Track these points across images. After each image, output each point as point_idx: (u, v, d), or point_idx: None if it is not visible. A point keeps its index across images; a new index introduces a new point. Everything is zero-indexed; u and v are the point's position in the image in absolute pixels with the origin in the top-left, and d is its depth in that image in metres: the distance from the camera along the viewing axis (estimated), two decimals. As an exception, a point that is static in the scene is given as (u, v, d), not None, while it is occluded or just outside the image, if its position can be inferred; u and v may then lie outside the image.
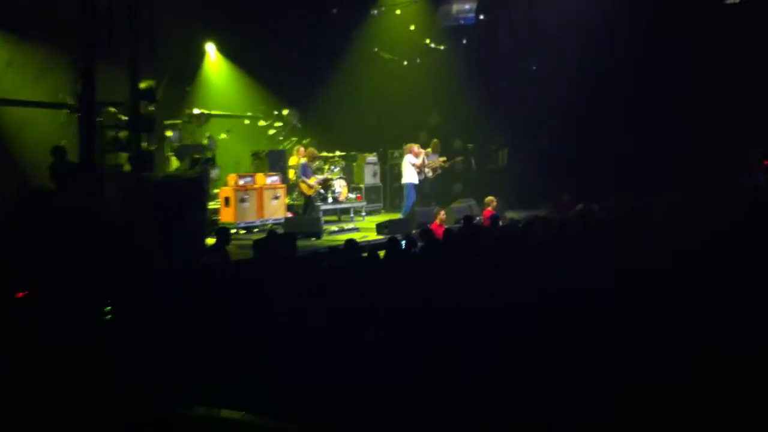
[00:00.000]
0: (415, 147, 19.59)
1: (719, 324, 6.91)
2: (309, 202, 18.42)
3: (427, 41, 22.57)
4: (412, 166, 19.31)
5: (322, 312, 8.27)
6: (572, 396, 6.00)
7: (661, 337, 6.65)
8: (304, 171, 18.34)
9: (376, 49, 22.86)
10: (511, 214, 18.68)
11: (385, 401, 6.62)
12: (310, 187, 18.25)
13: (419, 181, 19.55)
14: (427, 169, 20.10)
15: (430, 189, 20.26)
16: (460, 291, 8.47)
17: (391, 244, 10.98)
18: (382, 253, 11.07)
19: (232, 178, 17.66)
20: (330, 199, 18.90)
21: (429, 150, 20.11)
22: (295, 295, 8.90)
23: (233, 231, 16.23)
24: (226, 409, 6.80)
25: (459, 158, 21.41)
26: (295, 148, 20.34)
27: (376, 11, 22.88)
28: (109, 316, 9.50)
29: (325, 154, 20.43)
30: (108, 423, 6.63)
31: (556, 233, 11.96)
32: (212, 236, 14.21)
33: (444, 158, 20.53)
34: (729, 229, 11.02)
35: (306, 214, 18.34)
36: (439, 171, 20.47)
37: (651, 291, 7.73)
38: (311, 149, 19.16)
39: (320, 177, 18.64)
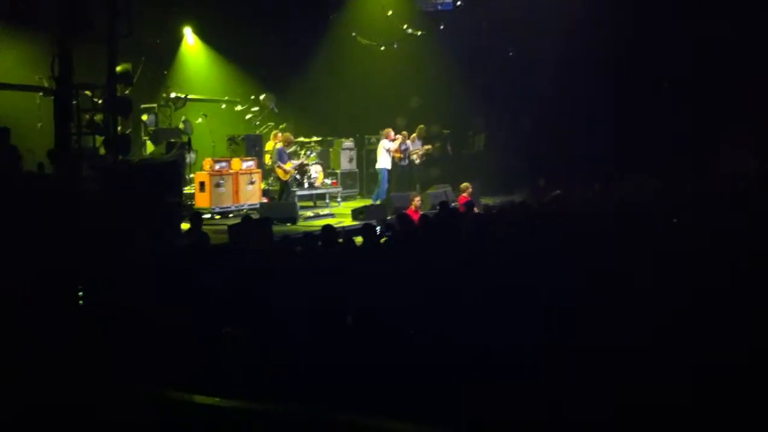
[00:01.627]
0: (392, 132, 19.67)
1: (717, 324, 6.94)
2: (285, 187, 18.42)
3: (405, 26, 22.56)
4: (387, 152, 19.40)
5: (301, 298, 8.29)
6: (566, 398, 6.03)
7: (658, 337, 6.68)
8: (280, 156, 18.33)
9: (354, 35, 22.83)
10: (486, 200, 18.81)
11: (363, 388, 6.65)
12: (286, 172, 18.24)
13: (396, 165, 19.64)
14: (414, 156, 20.22)
15: (406, 173, 20.31)
16: (437, 279, 8.50)
17: (366, 230, 10.99)
18: (358, 239, 11.10)
19: (207, 163, 17.64)
20: (306, 185, 18.91)
21: (406, 135, 20.14)
22: (274, 281, 8.92)
23: (208, 216, 16.23)
24: (199, 394, 6.80)
25: (437, 144, 21.45)
26: (272, 133, 20.32)
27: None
28: (81, 301, 9.49)
29: (301, 139, 20.44)
30: (79, 406, 6.63)
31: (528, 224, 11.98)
32: (186, 221, 14.24)
33: (429, 146, 20.61)
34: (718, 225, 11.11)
35: (282, 199, 18.34)
36: (425, 158, 20.58)
37: (644, 288, 7.75)
38: (287, 134, 19.14)
39: (296, 162, 18.64)
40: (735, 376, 6.00)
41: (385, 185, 19.38)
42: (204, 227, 13.15)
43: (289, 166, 18.31)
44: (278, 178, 18.63)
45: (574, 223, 11.97)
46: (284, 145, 18.59)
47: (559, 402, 5.96)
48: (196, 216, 12.64)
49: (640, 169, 18.27)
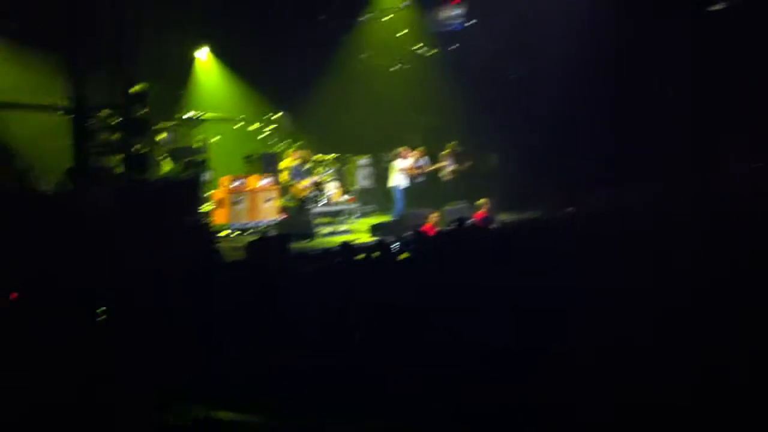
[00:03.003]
0: (407, 151, 19.78)
1: (717, 325, 6.93)
2: (302, 204, 18.46)
3: (416, 47, 22.66)
4: (400, 171, 19.51)
5: (314, 313, 8.31)
6: (567, 399, 6.02)
7: (659, 338, 6.67)
8: (297, 173, 18.38)
9: (362, 56, 22.96)
10: (504, 216, 18.77)
11: (376, 402, 6.66)
12: (303, 189, 18.28)
13: (414, 182, 19.74)
14: (444, 173, 20.36)
15: (420, 191, 20.39)
16: (454, 292, 8.50)
17: (381, 247, 10.99)
18: (375, 255, 11.10)
19: (225, 180, 17.71)
20: (323, 201, 18.94)
21: (423, 150, 20.25)
22: (289, 295, 8.94)
23: (227, 233, 16.28)
24: (221, 409, 6.82)
25: (467, 163, 21.44)
26: (288, 150, 20.37)
27: (365, 17, 22.98)
28: (103, 317, 9.51)
29: (317, 156, 20.46)
30: (102, 424, 6.65)
31: (548, 232, 12.01)
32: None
33: (460, 166, 20.74)
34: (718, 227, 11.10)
35: (298, 216, 18.37)
36: (455, 175, 20.68)
37: (648, 290, 7.75)
38: (304, 152, 19.20)
39: (313, 179, 18.68)
40: (735, 376, 5.99)
41: (401, 203, 19.42)
42: (222, 243, 13.15)
43: (306, 183, 18.35)
44: (295, 196, 18.66)
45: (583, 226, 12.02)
46: (301, 163, 18.64)
47: (559, 402, 5.97)
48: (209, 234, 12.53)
49: (648, 176, 18.24)
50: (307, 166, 19.01)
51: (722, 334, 6.69)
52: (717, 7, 19.83)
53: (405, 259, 11.51)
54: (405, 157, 19.69)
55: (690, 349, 6.49)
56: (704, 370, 6.11)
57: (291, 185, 18.68)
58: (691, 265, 8.60)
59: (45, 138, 16.37)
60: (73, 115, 14.04)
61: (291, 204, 19.30)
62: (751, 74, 18.81)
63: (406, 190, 19.67)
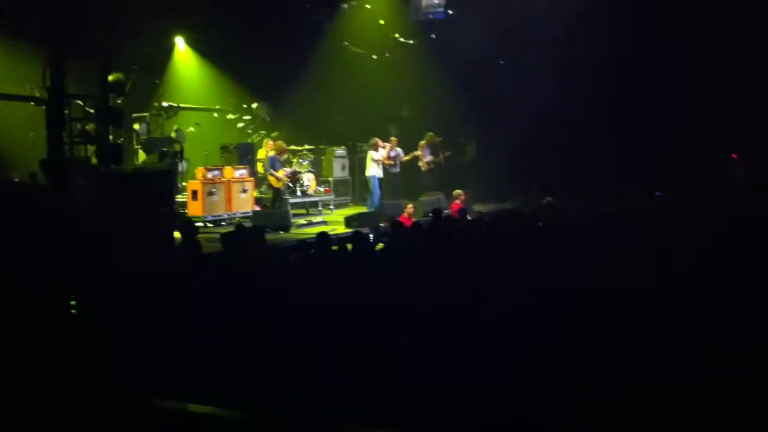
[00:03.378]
0: (379, 142, 19.79)
1: (717, 326, 6.96)
2: (277, 195, 18.42)
3: (397, 35, 22.61)
4: (374, 162, 19.54)
5: (295, 308, 8.29)
6: (565, 402, 6.04)
7: (657, 340, 6.69)
8: (273, 164, 18.33)
9: (345, 43, 22.88)
10: (479, 207, 18.83)
11: (357, 399, 6.66)
12: (279, 180, 18.24)
13: (387, 173, 19.73)
14: (421, 164, 20.36)
15: (396, 182, 20.40)
16: (433, 288, 8.51)
17: (357, 239, 10.96)
18: (350, 247, 11.09)
19: (200, 171, 17.62)
20: (298, 192, 18.91)
21: (396, 141, 20.25)
22: (270, 290, 8.92)
23: (200, 224, 16.20)
24: (194, 403, 6.79)
25: (447, 153, 21.40)
26: (264, 141, 20.33)
27: (346, 5, 22.91)
28: (74, 311, 9.47)
29: (293, 147, 20.43)
30: (78, 416, 6.62)
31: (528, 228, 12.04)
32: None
33: (440, 158, 20.73)
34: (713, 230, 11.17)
35: (274, 207, 18.34)
36: (433, 166, 20.67)
37: (644, 291, 7.77)
38: (279, 142, 19.13)
39: (288, 170, 18.65)
40: (735, 376, 6.03)
41: (378, 192, 19.45)
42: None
43: (282, 173, 18.31)
44: (271, 186, 18.63)
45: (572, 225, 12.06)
46: (276, 154, 18.58)
47: (559, 402, 5.98)
48: (188, 224, 12.52)
49: (636, 175, 18.32)
50: (283, 156, 18.95)
51: (722, 334, 6.73)
52: None
53: (381, 249, 11.53)
54: (378, 148, 19.69)
55: (689, 349, 6.52)
56: (704, 370, 6.14)
57: (267, 176, 18.62)
58: (691, 263, 8.66)
59: (18, 128, 16.28)
60: (47, 106, 13.90)
61: (266, 195, 19.28)
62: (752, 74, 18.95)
63: (381, 180, 19.68)
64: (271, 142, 19.74)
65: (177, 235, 14.14)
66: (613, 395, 5.93)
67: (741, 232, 10.24)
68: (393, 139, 20.23)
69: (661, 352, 6.48)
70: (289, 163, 19.23)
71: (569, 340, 6.88)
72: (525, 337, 7.08)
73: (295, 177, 18.78)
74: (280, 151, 18.73)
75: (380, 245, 11.76)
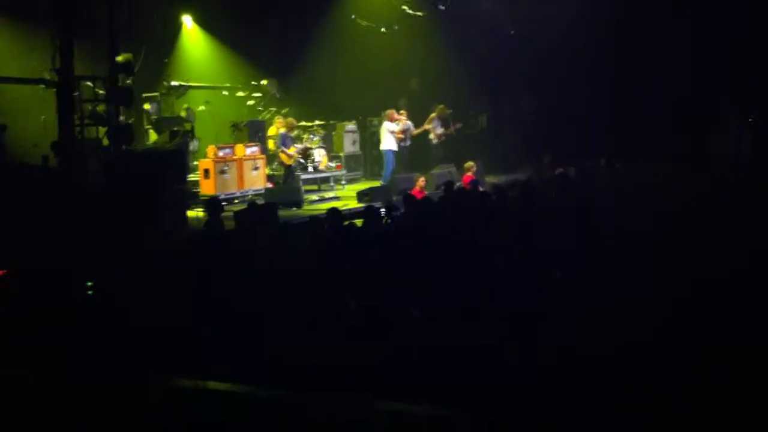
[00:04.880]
0: (395, 113, 19.67)
1: (717, 320, 6.95)
2: (289, 171, 18.42)
3: (405, 7, 22.49)
4: (390, 133, 19.38)
5: (306, 282, 8.33)
6: (569, 394, 6.05)
7: (659, 334, 6.69)
8: (284, 141, 18.32)
9: (353, 17, 22.77)
10: (491, 179, 18.80)
11: (373, 374, 6.69)
12: (290, 156, 18.24)
13: (399, 146, 19.65)
14: (432, 136, 20.30)
15: (407, 155, 20.32)
16: (445, 260, 8.52)
17: (369, 213, 10.97)
18: (359, 222, 11.11)
19: (211, 150, 17.63)
20: (310, 168, 18.92)
21: (405, 114, 20.15)
22: (281, 264, 8.95)
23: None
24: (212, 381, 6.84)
25: (458, 125, 21.32)
26: (275, 118, 20.29)
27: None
28: (90, 292, 9.53)
29: (304, 123, 20.40)
30: (91, 397, 6.68)
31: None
32: (193, 208, 14.29)
33: (451, 130, 20.65)
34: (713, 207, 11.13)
35: (286, 183, 18.35)
36: (444, 138, 20.59)
37: (647, 282, 7.76)
38: (290, 119, 19.10)
39: (300, 146, 18.65)
40: (735, 376, 6.03)
41: (391, 166, 19.38)
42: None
43: (293, 150, 18.31)
44: (282, 163, 18.63)
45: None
46: (287, 130, 18.57)
47: (560, 402, 6.00)
48: (214, 203, 12.16)
49: (641, 149, 18.29)
50: (294, 133, 18.94)
51: (722, 334, 6.72)
52: None
53: (393, 223, 11.55)
54: (393, 120, 19.59)
55: (690, 349, 6.53)
56: (704, 370, 6.14)
57: (278, 153, 18.62)
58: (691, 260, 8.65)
59: (29, 111, 16.29)
60: (56, 88, 13.94)
61: (278, 172, 19.28)
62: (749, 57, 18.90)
63: (395, 153, 19.60)
64: (281, 119, 19.71)
65: (190, 213, 14.23)
66: (613, 395, 5.96)
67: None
68: (403, 112, 20.15)
69: (661, 351, 6.49)
70: (299, 139, 19.22)
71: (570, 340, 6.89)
72: (527, 332, 7.11)
73: (306, 153, 18.78)
74: (291, 128, 18.71)
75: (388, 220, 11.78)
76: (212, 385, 6.76)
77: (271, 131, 19.99)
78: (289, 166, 18.35)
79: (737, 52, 19.11)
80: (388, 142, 19.46)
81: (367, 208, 11.33)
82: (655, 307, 7.15)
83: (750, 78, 19.09)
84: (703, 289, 7.37)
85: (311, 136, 19.55)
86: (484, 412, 5.91)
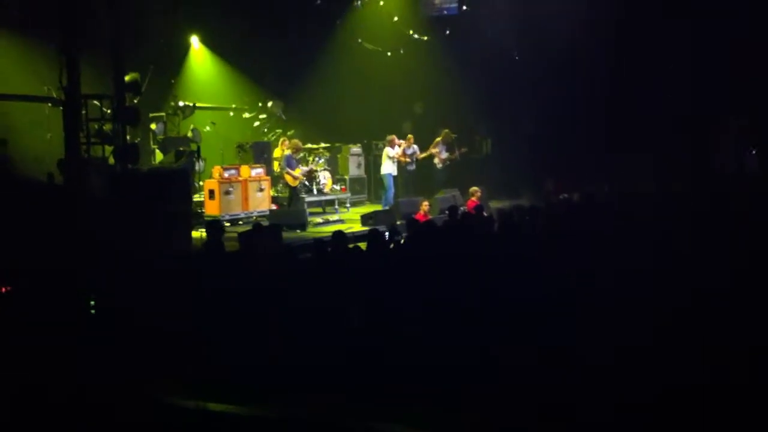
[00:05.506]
0: (395, 139, 19.78)
1: (717, 323, 6.95)
2: (294, 193, 18.45)
3: (411, 32, 22.61)
4: (389, 159, 19.52)
5: (310, 302, 8.33)
6: (569, 398, 6.05)
7: (659, 337, 6.69)
8: (289, 162, 18.36)
9: (359, 41, 22.90)
10: (495, 204, 18.79)
11: (369, 392, 6.70)
12: (295, 178, 18.27)
13: (404, 170, 19.71)
14: (436, 160, 20.36)
15: (411, 179, 20.39)
16: (447, 283, 8.52)
17: (372, 236, 10.96)
18: (363, 245, 11.10)
19: (216, 171, 17.67)
20: (315, 191, 18.95)
21: (411, 138, 20.20)
22: (284, 286, 8.95)
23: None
24: (214, 402, 6.85)
25: (463, 149, 21.38)
26: (280, 139, 20.35)
27: (359, 2, 22.91)
28: (93, 310, 9.53)
29: (309, 145, 20.46)
30: (96, 417, 6.68)
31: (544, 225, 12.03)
32: (198, 229, 14.31)
33: (455, 155, 20.68)
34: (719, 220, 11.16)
35: (291, 205, 18.38)
36: (448, 163, 20.64)
37: (648, 288, 7.77)
38: (295, 141, 19.14)
39: (305, 168, 18.68)
40: (735, 376, 6.03)
41: (392, 191, 19.45)
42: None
43: (298, 172, 18.35)
44: (287, 185, 18.65)
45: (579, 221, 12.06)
46: (293, 152, 18.62)
47: (561, 402, 6.00)
48: (215, 225, 12.20)
49: (644, 171, 18.35)
50: (300, 155, 18.99)
51: (722, 334, 6.73)
52: None
53: (397, 247, 11.55)
54: (394, 145, 19.68)
55: (689, 350, 6.53)
56: (704, 371, 6.14)
57: (283, 175, 18.65)
58: (691, 255, 8.66)
59: (35, 128, 16.35)
60: (64, 106, 13.98)
61: (283, 194, 19.31)
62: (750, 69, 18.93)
63: (396, 178, 19.68)
64: (286, 141, 19.77)
65: (195, 234, 14.24)
66: (611, 396, 5.96)
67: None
68: (409, 136, 20.20)
69: (661, 351, 6.49)
70: (305, 161, 19.25)
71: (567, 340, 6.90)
72: (521, 333, 7.12)
73: (311, 175, 18.82)
74: (296, 150, 18.76)
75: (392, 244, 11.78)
76: (213, 406, 6.76)
77: (276, 153, 20.04)
78: (294, 187, 18.38)
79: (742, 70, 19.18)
80: (386, 167, 19.57)
81: (370, 232, 11.32)
82: (656, 308, 7.18)
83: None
84: (704, 292, 7.39)
85: (316, 158, 19.59)
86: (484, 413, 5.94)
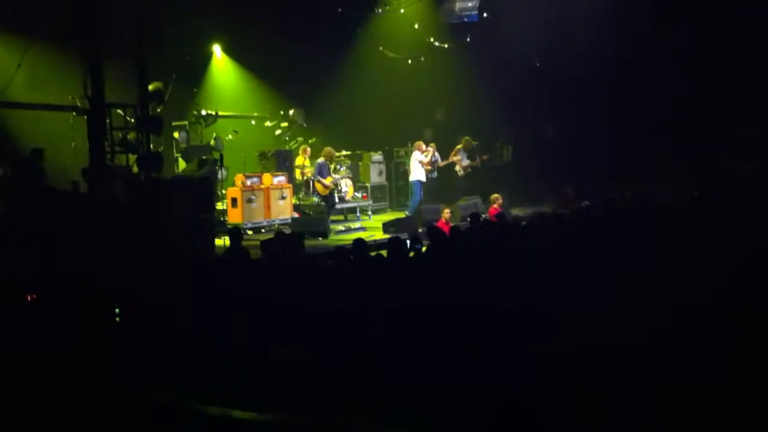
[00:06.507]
0: (423, 145, 19.77)
1: (719, 325, 6.96)
2: (327, 201, 18.50)
3: (431, 39, 22.67)
4: (419, 164, 19.47)
5: (330, 309, 8.37)
6: (572, 398, 6.07)
7: (661, 339, 6.71)
8: (320, 171, 18.36)
9: (380, 48, 22.97)
10: (516, 211, 18.82)
11: (392, 398, 6.72)
12: (326, 187, 18.30)
13: (430, 178, 19.76)
14: (458, 168, 20.40)
15: (434, 187, 20.44)
16: (468, 290, 8.54)
17: (393, 244, 10.97)
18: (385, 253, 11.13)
19: (239, 179, 17.78)
20: (336, 199, 19.02)
21: (434, 146, 20.23)
22: (305, 292, 9.00)
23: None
24: (237, 409, 6.88)
25: (485, 156, 21.45)
26: (301, 147, 20.42)
27: (380, 10, 22.98)
28: (118, 318, 9.61)
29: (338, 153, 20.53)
30: (118, 423, 6.74)
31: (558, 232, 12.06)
32: (221, 236, 14.41)
33: (477, 162, 20.75)
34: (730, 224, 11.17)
35: (313, 213, 18.53)
36: (470, 170, 20.70)
37: (651, 291, 7.80)
38: (329, 148, 19.06)
39: (336, 176, 18.67)
40: (735, 377, 6.03)
41: (418, 197, 19.45)
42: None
43: (329, 181, 18.37)
44: (315, 193, 18.77)
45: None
46: (325, 159, 18.64)
47: (562, 403, 6.02)
48: (235, 232, 12.63)
49: (664, 177, 18.35)
50: (333, 162, 19.09)
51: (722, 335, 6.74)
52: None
53: (419, 255, 11.57)
54: (423, 151, 19.69)
55: (689, 350, 6.54)
56: (704, 371, 6.15)
57: (313, 182, 18.69)
58: (692, 263, 8.68)
59: (60, 138, 16.49)
60: (88, 115, 14.12)
61: (305, 201, 19.39)
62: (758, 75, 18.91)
63: (423, 184, 19.70)
64: (308, 149, 19.88)
65: (218, 241, 14.34)
66: (613, 396, 5.97)
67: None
68: (432, 144, 20.25)
69: (662, 352, 6.51)
70: (335, 170, 19.28)
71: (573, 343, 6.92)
72: (531, 336, 7.14)
73: (336, 184, 18.88)
74: (329, 157, 18.77)
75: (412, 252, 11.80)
76: (237, 414, 6.81)
77: (298, 161, 20.12)
78: (325, 196, 18.43)
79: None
80: (416, 173, 19.55)
81: (391, 240, 11.31)
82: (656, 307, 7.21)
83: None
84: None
85: (338, 166, 19.66)
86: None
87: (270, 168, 19.41)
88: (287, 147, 21.31)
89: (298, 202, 19.43)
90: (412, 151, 20.02)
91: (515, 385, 6.43)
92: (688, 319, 6.96)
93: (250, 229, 17.24)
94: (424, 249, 12.12)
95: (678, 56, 20.19)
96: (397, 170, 22.16)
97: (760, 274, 8.12)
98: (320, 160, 18.75)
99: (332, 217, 18.42)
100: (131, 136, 15.05)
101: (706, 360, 6.23)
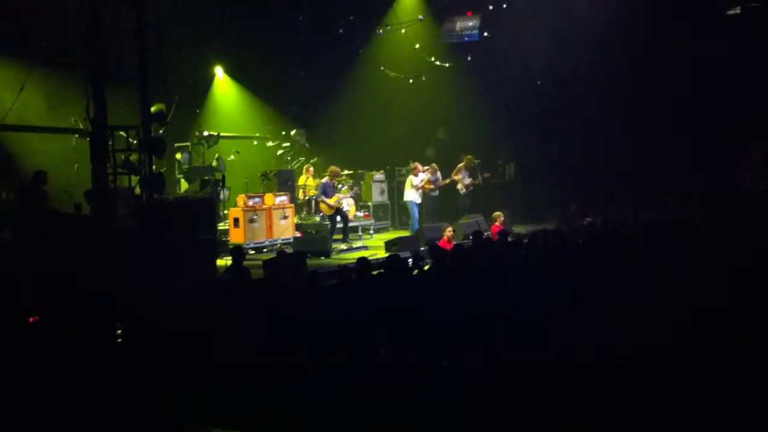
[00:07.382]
0: (419, 166, 19.84)
1: (723, 335, 6.98)
2: (331, 220, 18.52)
3: (432, 59, 22.74)
4: (413, 187, 19.62)
5: (329, 328, 8.37)
6: (572, 405, 6.08)
7: (662, 347, 6.73)
8: (325, 190, 18.33)
9: (382, 68, 23.05)
10: (518, 228, 18.83)
11: (387, 416, 6.72)
12: (330, 207, 18.29)
13: (428, 197, 19.79)
14: (459, 186, 20.44)
15: (435, 205, 20.49)
16: (472, 306, 8.56)
17: (391, 263, 10.93)
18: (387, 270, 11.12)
19: (241, 199, 17.82)
20: (338, 218, 19.02)
21: (435, 166, 20.28)
22: (304, 311, 9.01)
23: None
24: (217, 428, 6.89)
25: (486, 174, 21.48)
26: (304, 167, 20.47)
27: (381, 30, 23.06)
28: (120, 339, 9.61)
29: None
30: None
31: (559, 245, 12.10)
32: (223, 257, 14.43)
33: (478, 180, 20.79)
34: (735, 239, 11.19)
35: (315, 233, 18.54)
36: (471, 188, 20.73)
37: (654, 299, 7.82)
38: (334, 167, 19.04)
39: (341, 196, 18.64)
40: (735, 377, 6.04)
41: (416, 216, 19.53)
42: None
43: (334, 200, 18.35)
44: (318, 212, 18.81)
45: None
46: (330, 178, 18.65)
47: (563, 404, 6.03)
48: (237, 251, 12.68)
49: (668, 190, 18.38)
50: (338, 181, 19.12)
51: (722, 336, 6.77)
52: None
53: (421, 273, 11.58)
54: (418, 173, 19.76)
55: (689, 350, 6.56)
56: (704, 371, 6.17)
57: (317, 202, 18.70)
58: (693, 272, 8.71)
59: (63, 160, 16.55)
60: (90, 137, 14.16)
61: (307, 221, 19.41)
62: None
63: (421, 205, 19.76)
64: (311, 168, 19.93)
65: (221, 262, 14.36)
66: (613, 402, 5.98)
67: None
68: (433, 164, 20.29)
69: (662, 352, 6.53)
70: (339, 189, 19.29)
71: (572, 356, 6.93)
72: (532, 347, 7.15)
73: (339, 203, 18.88)
74: (334, 175, 18.77)
75: (416, 270, 11.81)
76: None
77: (301, 180, 20.17)
78: (330, 215, 18.41)
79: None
80: (409, 194, 19.71)
81: (389, 258, 11.25)
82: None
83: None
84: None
85: (340, 185, 19.68)
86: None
87: (272, 188, 19.45)
88: (289, 167, 21.34)
89: (300, 222, 19.44)
90: (408, 173, 20.12)
91: (518, 396, 6.45)
92: (684, 333, 7.00)
93: (252, 249, 17.25)
94: (426, 267, 12.16)
95: (684, 74, 20.19)
96: (399, 189, 22.17)
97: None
98: (324, 179, 18.75)
99: (335, 237, 18.37)
100: (134, 157, 15.08)
101: (706, 361, 6.27)
